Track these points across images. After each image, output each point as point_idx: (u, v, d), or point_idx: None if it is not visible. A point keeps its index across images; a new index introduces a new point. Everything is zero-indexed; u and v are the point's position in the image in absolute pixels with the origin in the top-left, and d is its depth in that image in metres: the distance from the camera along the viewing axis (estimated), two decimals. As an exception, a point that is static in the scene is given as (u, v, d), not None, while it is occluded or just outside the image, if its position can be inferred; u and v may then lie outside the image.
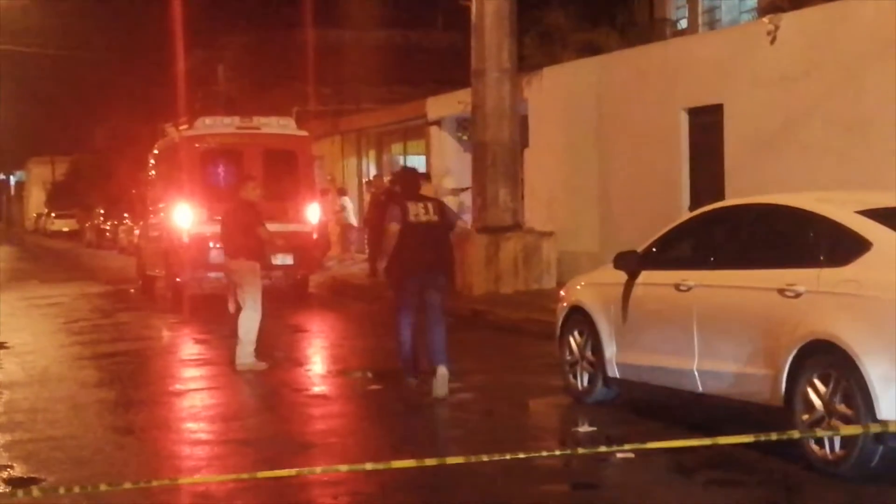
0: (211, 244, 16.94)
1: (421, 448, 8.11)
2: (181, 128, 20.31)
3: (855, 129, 13.17)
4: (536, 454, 5.43)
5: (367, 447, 8.37)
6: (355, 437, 8.90)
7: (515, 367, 11.73)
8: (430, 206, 10.42)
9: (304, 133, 20.05)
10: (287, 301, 18.78)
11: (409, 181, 10.87)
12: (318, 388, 11.08)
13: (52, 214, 72.05)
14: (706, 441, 5.58)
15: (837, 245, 7.23)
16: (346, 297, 19.89)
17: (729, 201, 9.46)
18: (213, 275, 16.99)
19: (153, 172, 21.97)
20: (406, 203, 10.38)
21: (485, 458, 5.03)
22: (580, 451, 7.11)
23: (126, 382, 11.42)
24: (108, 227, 46.99)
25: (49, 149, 78.21)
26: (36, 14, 46.05)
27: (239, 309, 11.88)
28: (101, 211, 50.11)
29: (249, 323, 11.80)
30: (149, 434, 8.92)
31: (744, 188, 13.88)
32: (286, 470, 6.15)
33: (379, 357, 12.07)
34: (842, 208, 7.49)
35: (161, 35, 42.38)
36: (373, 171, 28.89)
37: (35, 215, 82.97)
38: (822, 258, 7.26)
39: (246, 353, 11.77)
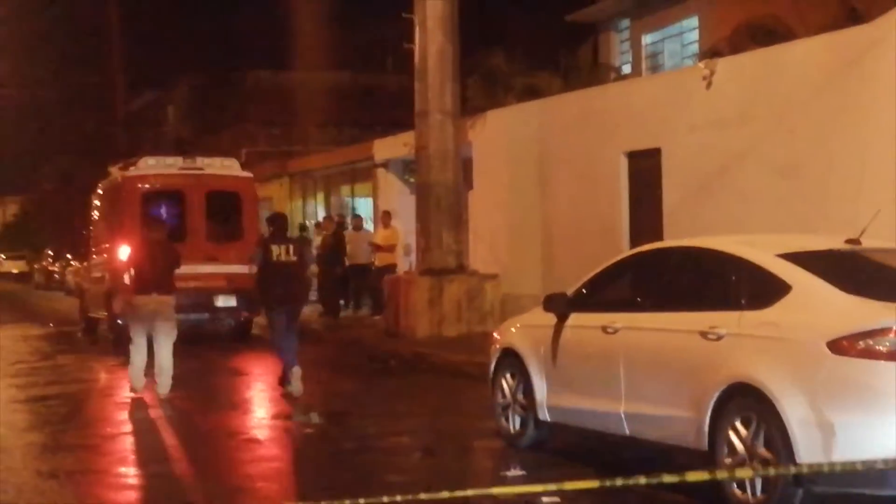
0: None
1: (349, 491, 8.03)
2: (125, 168, 20.19)
3: (787, 173, 13.33)
4: (450, 494, 5.42)
5: (296, 491, 8.31)
6: (286, 482, 8.83)
7: (453, 410, 11.70)
8: (291, 247, 12.64)
9: (247, 174, 20.03)
10: (229, 343, 18.66)
11: (279, 225, 13.05)
12: (253, 433, 10.98)
13: (2, 256, 71.30)
14: (594, 483, 5.62)
15: (758, 288, 7.29)
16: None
17: (654, 244, 9.52)
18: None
19: (96, 213, 21.81)
20: (270, 245, 12.57)
21: (398, 499, 5.01)
22: (486, 491, 7.10)
23: (57, 426, 11.27)
24: (56, 269, 46.61)
25: (-1, 189, 77.36)
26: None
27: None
28: (50, 252, 49.74)
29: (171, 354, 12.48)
30: (73, 478, 8.78)
31: (682, 231, 13.98)
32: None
33: (318, 401, 11.99)
34: (763, 251, 7.57)
35: (111, 76, 42.28)
36: (321, 213, 28.89)
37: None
38: (743, 301, 7.32)
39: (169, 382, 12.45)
